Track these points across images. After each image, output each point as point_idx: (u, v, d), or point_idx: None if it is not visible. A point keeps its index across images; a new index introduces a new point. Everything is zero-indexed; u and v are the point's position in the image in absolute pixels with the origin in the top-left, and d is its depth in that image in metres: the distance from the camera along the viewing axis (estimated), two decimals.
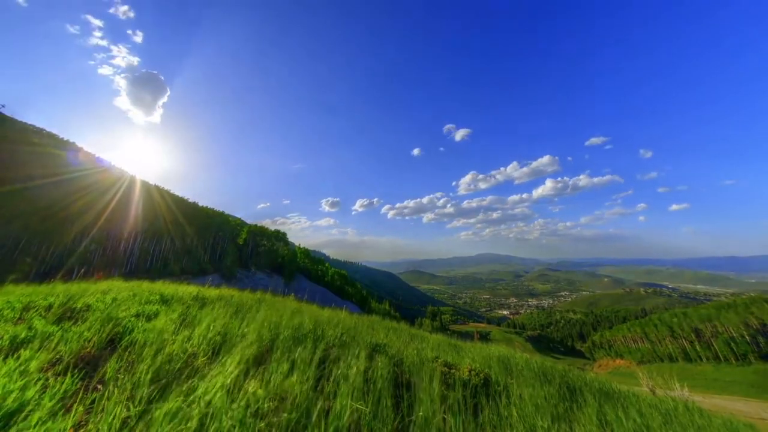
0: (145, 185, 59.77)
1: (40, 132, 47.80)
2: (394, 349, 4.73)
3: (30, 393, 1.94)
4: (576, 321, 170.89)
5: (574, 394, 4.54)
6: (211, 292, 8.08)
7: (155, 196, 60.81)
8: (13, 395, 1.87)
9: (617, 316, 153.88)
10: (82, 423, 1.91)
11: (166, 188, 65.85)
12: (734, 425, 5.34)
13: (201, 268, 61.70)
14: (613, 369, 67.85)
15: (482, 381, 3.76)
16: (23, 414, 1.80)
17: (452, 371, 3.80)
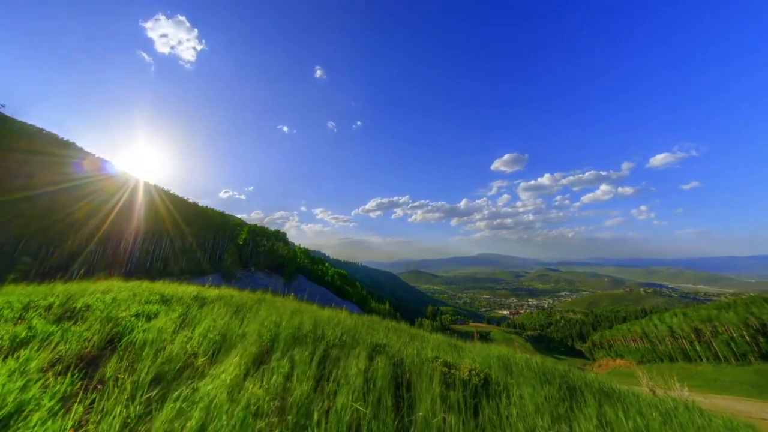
0: (146, 186, 59.83)
1: (40, 132, 47.77)
2: (394, 349, 4.73)
3: (30, 393, 1.94)
4: (576, 321, 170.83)
5: (574, 394, 4.54)
6: (211, 292, 8.08)
7: (155, 196, 60.85)
8: (13, 395, 1.87)
9: (617, 316, 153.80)
10: (82, 423, 1.91)
11: (166, 189, 66.01)
12: (734, 425, 5.33)
13: (201, 268, 61.70)
14: (613, 369, 67.83)
15: (482, 381, 3.76)
16: (23, 414, 1.80)
17: (452, 371, 3.80)
